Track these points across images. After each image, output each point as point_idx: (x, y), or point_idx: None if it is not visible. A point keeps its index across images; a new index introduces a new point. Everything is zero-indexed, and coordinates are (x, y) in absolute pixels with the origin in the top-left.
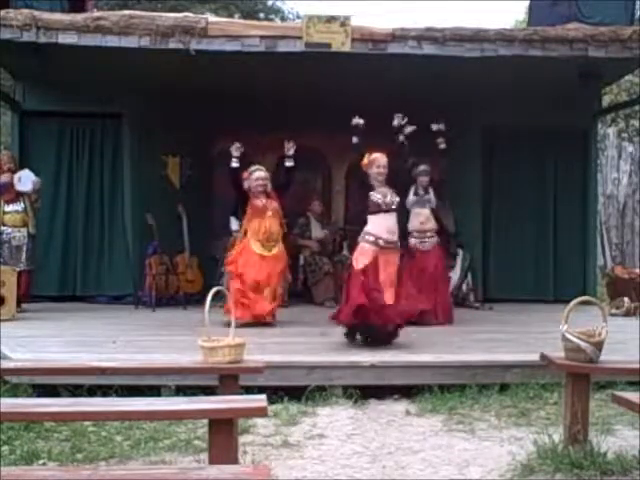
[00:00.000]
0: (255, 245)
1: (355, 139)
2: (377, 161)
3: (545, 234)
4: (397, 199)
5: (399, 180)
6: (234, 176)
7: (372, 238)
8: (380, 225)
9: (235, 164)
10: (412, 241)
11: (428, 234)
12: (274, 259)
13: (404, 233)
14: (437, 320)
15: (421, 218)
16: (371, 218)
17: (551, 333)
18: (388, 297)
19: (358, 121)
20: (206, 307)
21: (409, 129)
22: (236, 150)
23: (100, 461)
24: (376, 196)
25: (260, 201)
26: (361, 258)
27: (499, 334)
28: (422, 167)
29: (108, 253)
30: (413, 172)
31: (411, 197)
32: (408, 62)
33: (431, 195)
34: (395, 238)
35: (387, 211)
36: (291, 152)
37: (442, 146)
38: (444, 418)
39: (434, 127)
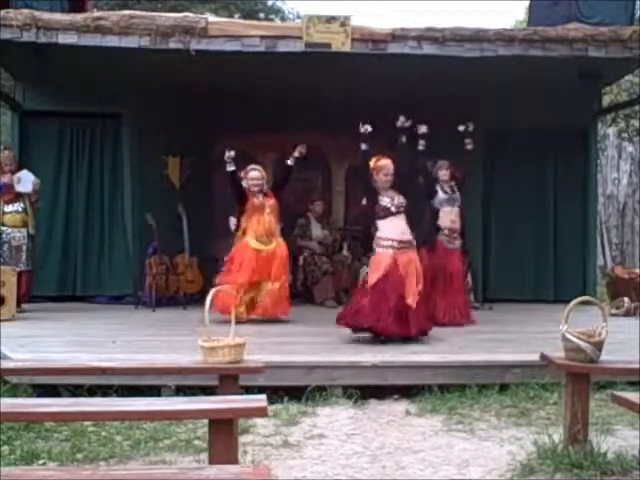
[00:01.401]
0: (252, 241)
1: (364, 146)
2: (385, 168)
3: (545, 234)
4: (404, 201)
5: (407, 180)
6: (233, 178)
7: (387, 242)
8: (392, 228)
9: (231, 167)
10: (442, 239)
11: (456, 234)
12: (272, 253)
13: (427, 231)
14: (457, 321)
15: (452, 216)
16: (381, 223)
17: (551, 333)
18: (411, 300)
19: (367, 127)
20: (206, 307)
21: (422, 129)
22: (227, 157)
23: (100, 461)
24: (385, 200)
25: (257, 199)
26: (374, 274)
27: (499, 334)
28: (440, 162)
29: (108, 253)
30: (434, 171)
31: (441, 195)
32: (408, 62)
33: (458, 194)
34: (409, 237)
35: (397, 213)
36: (297, 154)
37: (469, 147)
38: (444, 418)
39: (461, 128)
